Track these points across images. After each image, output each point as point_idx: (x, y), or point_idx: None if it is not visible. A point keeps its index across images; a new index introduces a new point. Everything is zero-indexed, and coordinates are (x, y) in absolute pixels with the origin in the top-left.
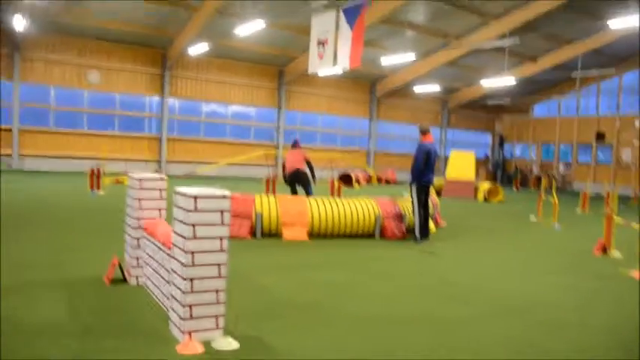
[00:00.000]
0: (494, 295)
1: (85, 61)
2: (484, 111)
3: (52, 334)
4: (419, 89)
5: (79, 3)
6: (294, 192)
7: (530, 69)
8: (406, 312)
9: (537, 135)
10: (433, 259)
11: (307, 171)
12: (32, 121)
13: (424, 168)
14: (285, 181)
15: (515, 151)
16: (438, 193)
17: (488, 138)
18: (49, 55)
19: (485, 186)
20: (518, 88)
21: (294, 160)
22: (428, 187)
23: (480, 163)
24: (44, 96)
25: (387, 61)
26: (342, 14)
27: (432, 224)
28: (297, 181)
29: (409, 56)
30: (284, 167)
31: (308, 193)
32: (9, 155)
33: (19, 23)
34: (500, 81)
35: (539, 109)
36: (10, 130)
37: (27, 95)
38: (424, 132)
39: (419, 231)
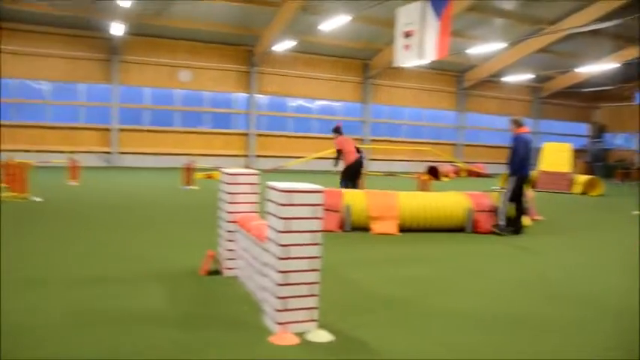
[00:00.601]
0: (594, 294)
1: (176, 62)
2: (579, 99)
3: (155, 323)
4: (509, 79)
5: (170, 6)
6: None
7: (632, 52)
8: (501, 310)
9: None
10: (527, 255)
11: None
12: (129, 121)
13: (524, 159)
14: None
15: (617, 141)
16: (532, 186)
17: (583, 128)
18: (143, 57)
19: (582, 178)
20: (620, 73)
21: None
22: (525, 179)
23: (577, 154)
24: (139, 96)
25: (475, 50)
26: (428, 4)
27: (527, 218)
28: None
29: (498, 45)
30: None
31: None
32: (109, 153)
33: (116, 29)
34: (599, 67)
35: None
36: (109, 130)
37: (124, 96)
38: (519, 124)
39: (506, 220)
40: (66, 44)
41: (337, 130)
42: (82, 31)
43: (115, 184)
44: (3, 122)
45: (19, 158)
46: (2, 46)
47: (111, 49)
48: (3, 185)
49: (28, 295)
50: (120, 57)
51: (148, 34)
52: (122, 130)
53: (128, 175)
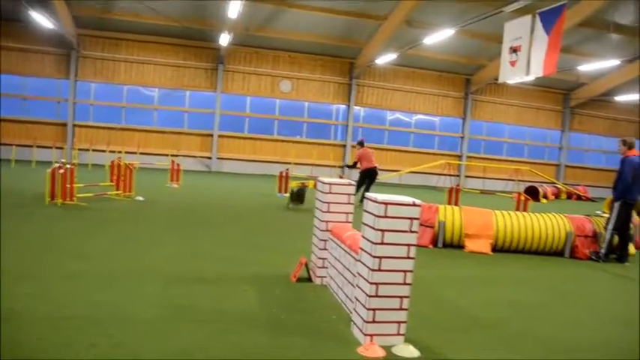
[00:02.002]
0: None
1: (277, 72)
2: None
3: (244, 325)
4: (620, 98)
5: (275, 17)
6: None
7: None
8: (602, 342)
9: None
10: (632, 285)
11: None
12: (229, 128)
13: (632, 184)
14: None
15: None
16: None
17: None
18: (246, 67)
19: None
20: None
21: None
22: (632, 206)
23: None
24: (241, 105)
25: (586, 67)
26: (537, 19)
27: (632, 247)
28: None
29: (611, 62)
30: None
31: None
32: (209, 158)
33: (223, 39)
34: None
35: None
36: (211, 136)
37: (226, 104)
38: (630, 145)
39: (607, 249)
40: (175, 53)
41: (360, 143)
42: (190, 41)
43: (213, 188)
44: (114, 125)
45: (125, 159)
46: (120, 55)
47: (217, 59)
48: (110, 184)
49: (126, 287)
50: (225, 66)
51: (252, 45)
52: (223, 136)
53: (226, 180)
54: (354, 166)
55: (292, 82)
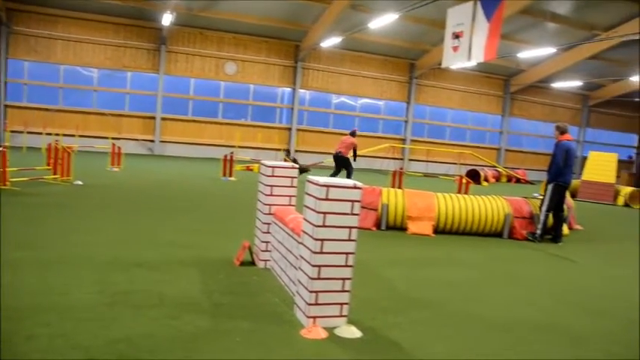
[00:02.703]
0: (634, 309)
1: (222, 54)
2: (630, 109)
3: (186, 309)
4: (557, 85)
5: None
6: (335, 173)
7: None
8: (536, 320)
9: None
10: (565, 264)
11: (350, 156)
12: (173, 110)
13: (563, 167)
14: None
15: None
16: (573, 195)
17: (632, 139)
18: (190, 48)
19: (626, 190)
20: None
21: (342, 146)
22: (565, 188)
23: (622, 165)
24: (184, 87)
25: (525, 54)
26: (479, 5)
27: (565, 227)
28: (340, 163)
29: (549, 50)
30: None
31: (349, 174)
32: (151, 141)
33: (166, 19)
34: None
35: None
36: (153, 118)
37: (169, 86)
38: (563, 131)
39: (542, 230)
40: (116, 33)
41: (353, 134)
42: (131, 20)
43: (155, 172)
44: (51, 107)
45: (63, 142)
46: (57, 33)
47: (160, 39)
48: (47, 168)
49: (64, 275)
50: (168, 47)
51: (196, 26)
52: (166, 119)
53: (169, 164)
54: (355, 154)
55: (237, 65)
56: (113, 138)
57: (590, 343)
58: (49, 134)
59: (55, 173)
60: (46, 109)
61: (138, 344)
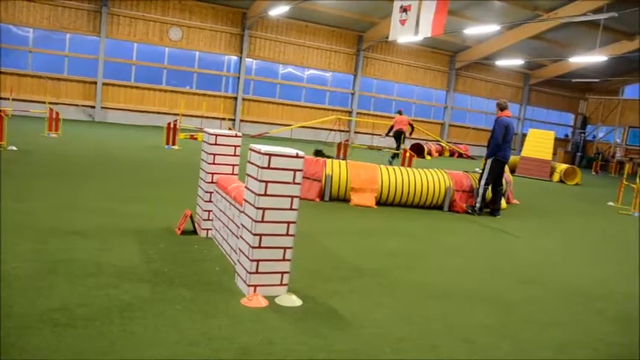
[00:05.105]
0: (563, 279)
1: (167, 19)
2: (568, 90)
3: (124, 278)
4: (500, 63)
5: None
6: (398, 146)
7: (625, 46)
8: (472, 288)
9: (625, 118)
10: (502, 236)
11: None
12: (115, 76)
13: (502, 143)
14: (390, 134)
15: (599, 133)
16: (512, 171)
17: (569, 118)
18: (133, 11)
19: (562, 167)
20: (610, 67)
21: (401, 123)
22: (504, 163)
23: (559, 143)
24: (127, 51)
25: (470, 31)
26: None
27: (503, 201)
28: (398, 137)
29: (493, 28)
30: (393, 126)
31: (398, 147)
32: (92, 107)
33: None
34: (590, 58)
35: (631, 91)
36: (94, 83)
37: (111, 50)
38: (503, 108)
39: (481, 203)
40: None
41: (401, 112)
42: None
43: (95, 139)
44: None
45: None
46: None
47: (100, 0)
48: None
49: (1, 243)
50: (109, 9)
51: None
52: (107, 84)
53: (111, 131)
54: (389, 131)
55: (182, 30)
56: (51, 103)
57: (519, 309)
58: None
59: None
60: None
61: (74, 313)
